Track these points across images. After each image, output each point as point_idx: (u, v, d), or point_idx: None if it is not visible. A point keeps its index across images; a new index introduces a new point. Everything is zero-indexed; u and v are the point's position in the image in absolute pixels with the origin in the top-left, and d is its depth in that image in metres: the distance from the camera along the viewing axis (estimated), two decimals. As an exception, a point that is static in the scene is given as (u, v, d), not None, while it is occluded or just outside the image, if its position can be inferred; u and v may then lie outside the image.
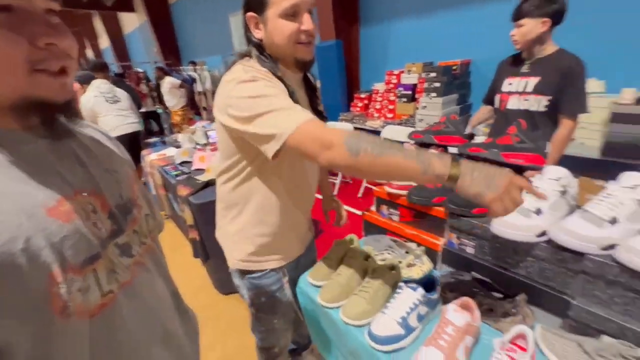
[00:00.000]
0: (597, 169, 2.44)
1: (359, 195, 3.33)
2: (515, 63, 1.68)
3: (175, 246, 2.59)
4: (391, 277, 0.91)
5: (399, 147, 0.63)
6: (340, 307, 0.89)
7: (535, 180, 0.84)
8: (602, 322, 0.69)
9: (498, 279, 0.87)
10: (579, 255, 0.71)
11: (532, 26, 1.46)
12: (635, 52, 2.23)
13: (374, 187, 1.21)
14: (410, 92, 3.39)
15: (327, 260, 1.03)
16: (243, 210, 0.90)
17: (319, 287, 0.98)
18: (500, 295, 0.85)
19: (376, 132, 3.44)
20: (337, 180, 3.49)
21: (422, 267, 1.01)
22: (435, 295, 0.84)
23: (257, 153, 0.75)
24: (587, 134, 2.28)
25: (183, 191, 1.96)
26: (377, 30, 3.95)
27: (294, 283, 1.04)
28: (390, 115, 3.72)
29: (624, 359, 0.63)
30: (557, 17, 1.44)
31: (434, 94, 2.90)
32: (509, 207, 0.58)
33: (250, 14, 0.78)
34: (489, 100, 1.84)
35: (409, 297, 0.81)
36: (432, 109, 2.92)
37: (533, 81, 1.61)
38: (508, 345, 0.67)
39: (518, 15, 1.48)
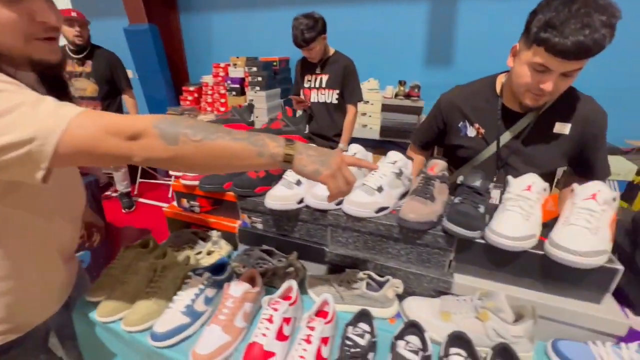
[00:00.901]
0: (382, 148, 3.22)
1: (170, 195, 3.05)
2: (309, 63, 1.98)
3: None
4: (181, 270, 0.88)
5: (226, 130, 0.54)
6: (123, 317, 0.80)
7: (379, 163, 0.93)
8: (343, 259, 0.91)
9: (282, 246, 1.00)
10: (324, 212, 0.89)
11: (319, 44, 1.83)
12: (394, 57, 3.02)
13: (170, 181, 1.14)
14: (238, 86, 3.42)
15: (111, 271, 0.91)
16: None
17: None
18: (283, 260, 0.97)
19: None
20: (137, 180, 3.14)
21: (220, 251, 1.04)
22: (224, 275, 0.88)
23: None
24: (372, 121, 2.95)
25: None
26: (200, 19, 3.75)
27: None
28: (222, 109, 3.65)
29: (355, 281, 0.84)
30: (325, 30, 1.84)
31: (257, 88, 3.04)
32: (342, 184, 0.59)
33: None
34: (297, 94, 2.11)
35: (195, 284, 0.82)
36: (258, 102, 3.06)
37: (325, 78, 1.96)
38: (275, 299, 0.77)
39: (308, 43, 1.78)
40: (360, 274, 0.85)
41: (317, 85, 2.00)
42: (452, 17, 2.73)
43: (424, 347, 0.68)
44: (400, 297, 0.84)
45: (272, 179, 1.00)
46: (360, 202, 0.84)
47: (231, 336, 0.73)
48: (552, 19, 0.73)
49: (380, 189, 0.86)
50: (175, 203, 1.18)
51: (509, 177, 0.81)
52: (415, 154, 1.25)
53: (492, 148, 0.99)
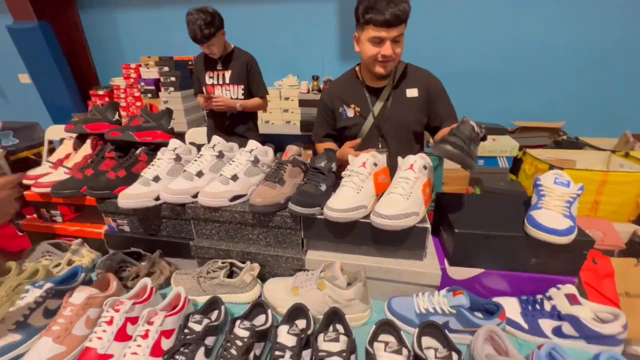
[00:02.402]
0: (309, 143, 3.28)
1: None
2: (209, 59, 1.92)
3: None
4: (14, 283, 0.81)
5: None
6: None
7: (236, 152, 0.96)
8: (207, 251, 0.91)
9: (153, 246, 0.97)
10: (182, 206, 0.89)
11: (219, 40, 1.81)
12: (311, 54, 3.09)
13: (25, 191, 1.04)
14: (153, 87, 3.21)
15: None
16: None
17: None
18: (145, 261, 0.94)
19: (122, 133, 3.08)
20: None
21: (82, 260, 0.97)
22: (74, 284, 0.82)
23: None
24: (293, 117, 2.99)
25: None
26: (104, 17, 3.45)
27: None
28: (139, 113, 3.41)
29: (215, 270, 0.85)
30: (222, 25, 1.81)
31: (171, 89, 2.90)
32: None
33: None
34: (199, 92, 2.04)
35: (31, 298, 0.75)
36: (174, 104, 2.92)
37: (227, 74, 1.92)
38: (120, 300, 0.74)
39: (208, 38, 1.74)
40: (219, 263, 0.86)
41: (220, 82, 1.96)
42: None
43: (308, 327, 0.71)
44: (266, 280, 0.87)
45: (133, 178, 0.96)
46: (213, 193, 0.85)
47: (66, 346, 0.69)
48: (369, 4, 0.96)
49: (235, 178, 0.88)
50: (34, 215, 1.07)
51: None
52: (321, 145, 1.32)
53: (369, 121, 1.17)
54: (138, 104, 3.39)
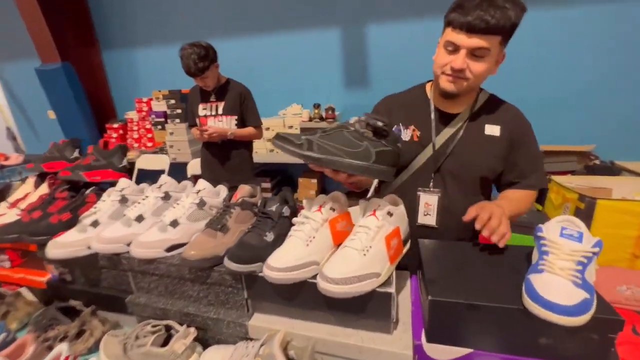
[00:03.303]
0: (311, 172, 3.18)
1: None
2: (203, 91, 1.92)
3: None
4: None
5: None
6: None
7: (181, 197, 0.83)
8: (143, 308, 0.79)
9: (94, 299, 0.86)
10: (118, 256, 0.78)
11: (213, 72, 1.83)
12: (314, 82, 3.06)
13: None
14: (163, 119, 3.31)
15: None
16: None
17: None
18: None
19: (131, 163, 3.16)
20: None
21: (16, 313, 0.88)
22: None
23: None
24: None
25: None
26: (123, 55, 3.69)
27: None
28: (150, 144, 3.52)
29: (145, 335, 0.72)
30: (216, 58, 1.84)
31: (177, 120, 2.96)
32: None
33: None
34: (193, 125, 2.05)
35: None
36: (179, 135, 2.97)
37: (221, 105, 1.90)
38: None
39: (202, 71, 1.77)
40: (149, 327, 0.73)
41: (213, 113, 1.96)
42: (363, 40, 2.83)
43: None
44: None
45: (76, 222, 0.88)
46: (147, 242, 0.74)
47: None
48: (460, 1, 0.76)
49: (174, 224, 0.76)
50: (-14, 259, 1.01)
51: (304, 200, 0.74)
52: None
53: (428, 151, 0.93)
54: (149, 135, 3.51)
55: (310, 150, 0.62)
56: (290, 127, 2.92)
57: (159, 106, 3.32)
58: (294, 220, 0.69)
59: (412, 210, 0.87)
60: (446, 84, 0.83)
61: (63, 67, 3.26)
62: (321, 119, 2.64)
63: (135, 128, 3.54)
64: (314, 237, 0.66)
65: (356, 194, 1.05)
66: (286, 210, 0.74)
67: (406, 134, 0.95)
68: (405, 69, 2.76)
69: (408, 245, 0.71)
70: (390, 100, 1.02)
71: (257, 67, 3.10)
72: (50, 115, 4.15)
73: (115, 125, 3.62)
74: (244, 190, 0.81)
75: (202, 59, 1.73)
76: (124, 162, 0.98)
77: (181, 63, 1.79)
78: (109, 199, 0.86)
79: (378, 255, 0.61)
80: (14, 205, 1.01)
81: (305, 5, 2.87)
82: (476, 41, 0.74)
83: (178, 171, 3.10)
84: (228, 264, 0.65)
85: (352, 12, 2.78)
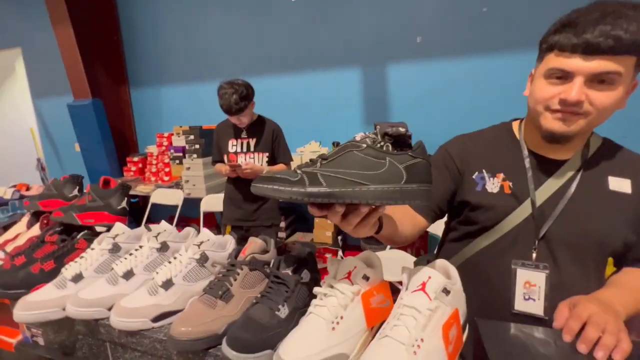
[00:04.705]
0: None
1: None
2: (234, 127, 1.94)
3: None
4: None
5: None
6: None
7: (180, 248, 0.68)
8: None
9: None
10: (96, 321, 0.63)
11: (250, 111, 1.84)
12: (334, 121, 3.03)
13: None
14: (181, 154, 3.33)
15: None
16: None
17: None
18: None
19: (146, 197, 3.15)
20: None
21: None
22: None
23: None
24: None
25: None
26: (149, 92, 3.85)
27: None
28: (167, 178, 3.53)
29: None
30: (254, 96, 1.85)
31: (194, 155, 2.94)
32: None
33: None
34: (220, 161, 2.05)
35: None
36: (195, 170, 2.94)
37: (252, 142, 1.91)
38: None
39: (242, 110, 1.77)
40: None
41: (244, 150, 1.94)
42: (384, 80, 2.82)
43: None
44: None
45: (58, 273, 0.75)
46: (131, 308, 0.59)
47: None
48: (568, 19, 0.59)
49: (168, 284, 0.62)
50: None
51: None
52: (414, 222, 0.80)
53: (524, 208, 0.69)
54: (167, 169, 3.52)
55: (314, 185, 0.43)
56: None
57: (179, 141, 3.36)
58: (316, 290, 0.54)
59: (502, 291, 0.67)
60: (554, 123, 0.63)
61: (92, 103, 3.41)
62: (340, 157, 2.54)
63: (154, 162, 3.57)
64: (341, 318, 0.49)
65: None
66: (305, 275, 0.59)
67: (493, 184, 0.73)
68: (429, 109, 2.70)
69: (466, 332, 0.53)
70: (469, 139, 0.81)
71: (278, 105, 3.13)
72: (77, 149, 4.31)
73: (136, 159, 3.68)
74: (254, 244, 0.67)
75: (242, 98, 1.75)
76: (123, 204, 0.88)
77: (219, 101, 1.79)
78: (99, 247, 0.74)
79: (433, 355, 0.44)
80: (1, 247, 0.91)
81: (327, 44, 2.94)
82: (600, 64, 0.56)
83: (192, 206, 3.04)
84: (227, 351, 0.49)
85: (372, 52, 2.80)
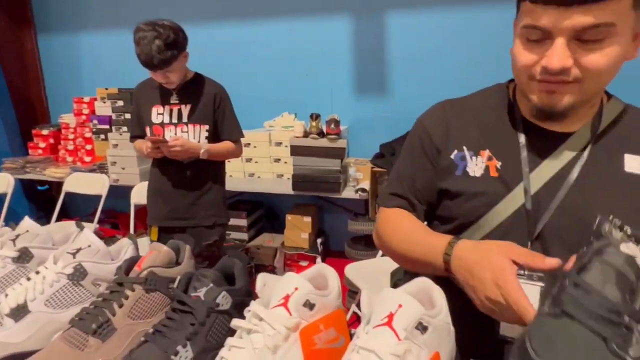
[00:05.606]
0: (307, 205, 2.98)
1: None
2: (161, 89, 1.79)
3: None
4: None
5: None
6: None
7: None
8: None
9: None
10: None
11: (180, 65, 1.69)
12: (312, 85, 2.95)
13: None
14: (107, 126, 3.19)
15: None
16: None
17: None
18: None
19: (60, 183, 2.99)
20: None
21: None
22: None
23: None
24: (287, 169, 2.77)
25: None
26: (64, 41, 3.64)
27: None
28: (88, 159, 3.38)
29: None
30: (187, 44, 1.72)
31: (124, 129, 2.80)
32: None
33: None
34: (139, 136, 1.91)
35: None
36: (125, 148, 2.79)
37: (186, 109, 1.78)
38: None
39: (168, 63, 1.61)
40: None
41: (174, 120, 1.77)
42: (379, 33, 2.74)
43: None
44: None
45: None
46: None
47: None
48: None
49: (20, 312, 0.53)
50: None
51: None
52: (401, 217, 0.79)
53: (517, 194, 0.68)
54: (88, 147, 3.37)
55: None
56: (279, 144, 2.76)
57: (104, 109, 3.21)
58: (234, 323, 0.46)
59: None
60: (540, 96, 0.62)
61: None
62: (321, 134, 2.47)
63: (71, 137, 3.42)
64: (267, 364, 0.42)
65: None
66: (224, 300, 0.51)
67: (476, 165, 0.72)
68: (435, 71, 2.65)
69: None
70: (451, 107, 0.80)
71: (236, 62, 3.00)
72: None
73: (45, 132, 3.51)
74: (157, 253, 0.58)
75: (169, 46, 1.57)
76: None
77: (137, 50, 1.59)
78: None
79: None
80: None
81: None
82: (583, 16, 0.53)
83: (121, 196, 2.91)
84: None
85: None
